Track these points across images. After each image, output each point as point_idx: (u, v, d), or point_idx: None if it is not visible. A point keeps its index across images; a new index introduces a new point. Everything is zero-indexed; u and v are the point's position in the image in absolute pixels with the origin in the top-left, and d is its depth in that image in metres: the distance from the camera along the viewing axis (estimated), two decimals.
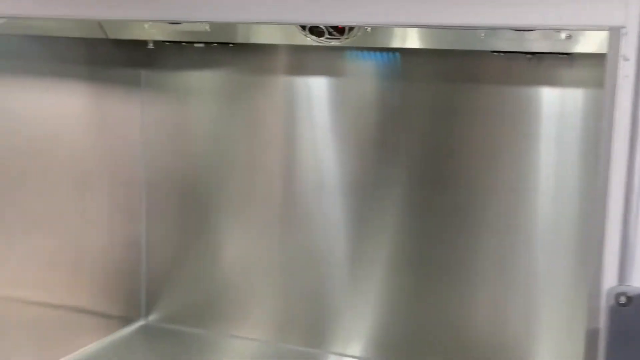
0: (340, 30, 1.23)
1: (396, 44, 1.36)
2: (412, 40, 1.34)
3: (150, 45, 1.51)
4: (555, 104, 1.36)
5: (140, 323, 1.66)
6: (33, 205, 1.37)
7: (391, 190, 1.49)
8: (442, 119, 1.44)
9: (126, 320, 1.63)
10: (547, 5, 0.76)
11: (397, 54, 1.42)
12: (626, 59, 0.69)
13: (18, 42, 1.13)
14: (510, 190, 1.40)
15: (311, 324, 1.57)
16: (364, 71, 1.48)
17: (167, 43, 1.50)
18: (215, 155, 1.58)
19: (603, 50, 1.03)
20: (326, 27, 1.24)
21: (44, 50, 1.17)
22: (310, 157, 1.53)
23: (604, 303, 0.72)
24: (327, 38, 1.24)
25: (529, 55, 1.28)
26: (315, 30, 1.25)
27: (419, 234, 1.48)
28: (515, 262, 1.42)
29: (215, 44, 1.47)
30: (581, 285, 1.35)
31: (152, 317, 1.67)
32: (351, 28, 1.26)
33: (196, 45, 1.48)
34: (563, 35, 1.20)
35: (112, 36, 1.45)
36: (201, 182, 1.60)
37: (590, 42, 1.23)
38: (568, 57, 1.29)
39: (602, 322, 0.72)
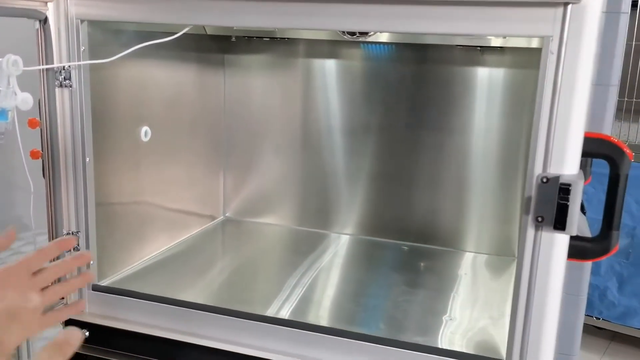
0: (364, 32, 1.36)
1: (396, 39, 1.48)
2: (405, 37, 1.48)
3: (233, 39, 1.61)
4: (487, 76, 1.48)
5: (221, 218, 1.78)
6: (169, 142, 1.46)
7: (373, 130, 1.60)
8: (412, 86, 1.55)
9: (212, 217, 1.75)
10: (506, 22, 0.91)
11: (392, 46, 1.54)
12: (552, 53, 0.88)
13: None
14: (455, 130, 1.54)
15: (320, 214, 1.69)
16: (360, 55, 1.59)
17: (245, 37, 1.60)
18: (265, 110, 1.68)
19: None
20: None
21: (173, 41, 1.18)
22: (323, 110, 1.64)
23: (534, 182, 0.92)
24: (357, 36, 1.37)
25: (478, 48, 1.41)
26: (349, 32, 1.37)
27: (394, 156, 1.60)
28: (460, 174, 1.56)
29: (277, 39, 1.58)
30: (500, 190, 1.53)
31: (227, 214, 1.78)
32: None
33: (264, 39, 1.59)
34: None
35: (210, 32, 1.54)
36: (257, 124, 1.69)
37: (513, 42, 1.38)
38: (501, 49, 1.42)
39: (533, 192, 0.93)
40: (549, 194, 0.92)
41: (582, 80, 0.90)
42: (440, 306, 1.27)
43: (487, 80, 1.50)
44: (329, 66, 1.63)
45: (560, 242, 0.95)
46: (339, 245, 1.63)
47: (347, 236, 1.67)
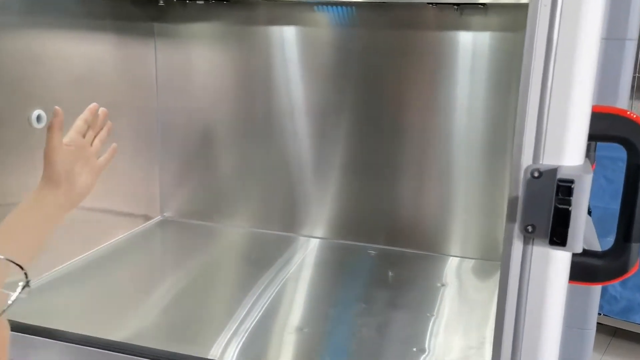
0: None
1: None
2: None
3: (161, 3, 1.39)
4: (470, 43, 1.29)
5: (158, 218, 1.56)
6: None
7: (343, 111, 1.43)
8: (384, 57, 1.36)
9: (146, 217, 1.53)
10: None
11: (353, 7, 1.33)
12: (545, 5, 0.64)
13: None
14: (434, 109, 1.35)
15: (286, 214, 1.51)
16: (325, 21, 1.39)
17: (175, 0, 1.38)
18: (211, 87, 1.48)
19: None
20: None
21: (79, 7, 1.08)
22: (284, 88, 1.44)
23: (522, 177, 0.68)
24: None
25: (455, 6, 1.19)
26: None
27: (365, 143, 1.43)
28: (439, 162, 1.38)
29: (212, 1, 1.37)
30: (486, 182, 1.35)
31: (166, 214, 1.57)
32: None
33: (198, 2, 1.37)
34: None
35: None
36: (202, 108, 1.49)
37: None
38: (483, 7, 1.22)
39: (521, 191, 0.68)
40: (542, 193, 0.67)
41: (587, 33, 0.65)
42: (413, 332, 1.05)
43: (470, 47, 1.29)
44: (288, 35, 1.41)
45: (558, 260, 0.69)
46: (307, 251, 1.42)
47: (317, 240, 1.47)
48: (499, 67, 1.27)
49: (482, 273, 1.32)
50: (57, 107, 0.82)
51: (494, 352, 0.72)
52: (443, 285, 1.24)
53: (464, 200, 1.37)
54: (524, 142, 0.68)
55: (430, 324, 1.07)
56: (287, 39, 1.41)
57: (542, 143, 0.68)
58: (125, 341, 0.95)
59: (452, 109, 1.33)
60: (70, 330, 0.95)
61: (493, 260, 1.35)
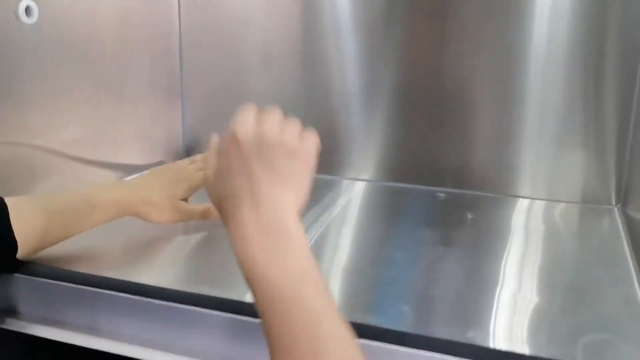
0: None
1: None
2: None
3: None
4: None
5: None
6: (81, 47, 1.10)
7: (396, 22, 1.23)
8: None
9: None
10: None
11: None
12: None
13: None
14: (509, 14, 1.14)
15: (326, 153, 1.32)
16: None
17: None
18: (242, 4, 1.30)
19: None
20: None
21: None
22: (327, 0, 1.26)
23: None
24: None
25: None
26: None
27: (423, 63, 1.22)
28: (515, 82, 1.16)
29: None
30: (568, 112, 1.15)
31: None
32: None
33: None
34: None
35: None
36: (231, 32, 1.31)
37: None
38: None
39: None
40: None
41: None
42: (512, 279, 0.84)
43: None
44: None
45: None
46: (353, 195, 1.23)
47: (364, 182, 1.28)
48: None
49: (572, 217, 1.11)
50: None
51: None
52: (533, 230, 1.03)
53: (538, 129, 1.16)
54: None
55: (532, 272, 0.86)
56: None
57: None
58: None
59: (531, 12, 1.11)
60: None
61: (584, 202, 1.15)
